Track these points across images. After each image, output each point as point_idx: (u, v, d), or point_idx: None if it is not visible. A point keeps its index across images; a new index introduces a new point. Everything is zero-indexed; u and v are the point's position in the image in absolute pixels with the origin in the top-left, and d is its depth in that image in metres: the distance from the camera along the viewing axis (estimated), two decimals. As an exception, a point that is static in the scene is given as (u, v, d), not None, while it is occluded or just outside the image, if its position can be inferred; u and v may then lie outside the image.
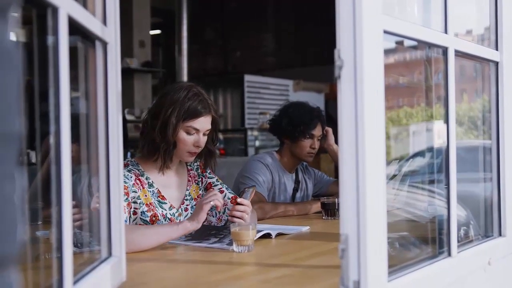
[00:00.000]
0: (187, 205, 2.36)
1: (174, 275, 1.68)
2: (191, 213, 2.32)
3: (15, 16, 0.57)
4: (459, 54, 1.60)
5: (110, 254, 1.39)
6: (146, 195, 2.21)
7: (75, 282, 1.10)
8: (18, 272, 0.58)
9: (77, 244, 1.37)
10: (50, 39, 1.03)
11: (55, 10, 1.01)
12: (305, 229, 2.38)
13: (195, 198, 2.39)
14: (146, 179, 2.25)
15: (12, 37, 0.56)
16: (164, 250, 1.97)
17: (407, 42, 1.58)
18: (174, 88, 2.28)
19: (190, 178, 2.41)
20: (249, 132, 7.68)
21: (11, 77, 0.54)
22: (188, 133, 2.22)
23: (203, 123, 2.24)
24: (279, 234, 2.21)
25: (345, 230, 1.19)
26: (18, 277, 0.58)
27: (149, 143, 2.23)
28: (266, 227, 2.25)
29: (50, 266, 1.15)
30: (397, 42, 1.51)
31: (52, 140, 1.04)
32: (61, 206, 1.02)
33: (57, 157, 1.02)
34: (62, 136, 1.02)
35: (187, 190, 2.38)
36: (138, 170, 2.24)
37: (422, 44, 1.64)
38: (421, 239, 1.73)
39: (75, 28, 1.13)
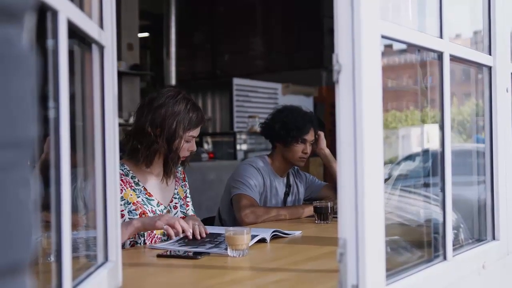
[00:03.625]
0: (175, 203, 2.44)
1: (170, 280, 1.67)
2: (180, 211, 2.44)
3: (30, 21, 0.57)
4: (453, 58, 1.61)
5: (106, 259, 1.38)
6: (131, 195, 2.27)
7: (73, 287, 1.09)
8: (31, 278, 0.58)
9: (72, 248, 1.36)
10: (49, 42, 1.02)
11: (55, 13, 1.00)
12: (298, 233, 2.38)
13: (182, 198, 2.48)
14: (132, 178, 2.31)
15: (27, 41, 0.56)
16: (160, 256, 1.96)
17: (396, 46, 1.58)
18: (168, 97, 2.31)
19: (177, 179, 2.50)
20: (238, 136, 7.66)
21: (27, 82, 0.54)
22: (188, 141, 2.34)
23: (199, 130, 2.39)
24: (274, 236, 2.22)
25: (344, 235, 1.19)
26: (32, 283, 0.58)
27: (153, 153, 2.29)
28: (259, 231, 2.25)
29: (45, 271, 1.14)
30: (386, 46, 1.51)
31: (47, 143, 1.04)
32: (60, 211, 1.01)
33: (57, 160, 1.01)
34: (61, 139, 1.01)
35: (175, 189, 2.47)
36: (123, 170, 2.27)
37: (412, 48, 1.65)
38: (416, 243, 1.73)
39: (72, 31, 1.12)
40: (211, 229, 2.34)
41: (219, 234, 2.21)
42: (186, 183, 2.56)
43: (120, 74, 7.55)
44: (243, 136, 7.73)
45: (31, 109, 0.56)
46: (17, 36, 0.54)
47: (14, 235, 0.53)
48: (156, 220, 2.03)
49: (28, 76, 0.55)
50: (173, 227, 2.06)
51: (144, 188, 2.32)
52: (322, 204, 2.72)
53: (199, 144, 7.49)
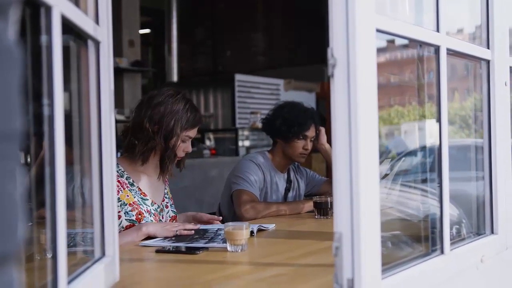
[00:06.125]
0: (166, 203, 2.48)
1: (167, 275, 1.67)
2: (171, 210, 2.48)
3: (15, 14, 0.57)
4: (451, 52, 1.61)
5: (103, 254, 1.39)
6: (128, 195, 2.29)
7: (69, 282, 1.10)
8: (19, 270, 0.58)
9: (69, 244, 1.37)
10: (43, 38, 1.02)
11: (48, 9, 1.00)
12: (271, 226, 2.41)
13: (171, 198, 2.53)
14: (126, 179, 2.33)
15: (12, 35, 0.56)
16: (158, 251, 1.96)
17: (398, 41, 1.58)
18: (167, 96, 2.34)
19: (166, 179, 2.53)
20: (240, 132, 7.66)
21: (12, 76, 0.54)
22: (183, 141, 2.36)
23: (196, 131, 2.41)
24: (259, 230, 2.27)
25: (339, 228, 1.20)
26: (19, 274, 0.58)
27: (150, 150, 2.32)
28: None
29: (42, 266, 1.14)
30: (388, 41, 1.51)
31: (43, 140, 1.04)
32: (55, 207, 1.02)
33: (51, 157, 1.02)
34: (55, 136, 1.02)
35: (165, 189, 2.51)
36: (117, 171, 2.28)
37: (414, 43, 1.64)
38: (414, 238, 1.73)
39: (67, 27, 1.12)
40: (202, 226, 2.35)
41: (206, 230, 2.24)
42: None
43: (121, 71, 7.56)
44: (245, 132, 7.74)
45: (18, 102, 0.56)
46: (3, 30, 0.54)
47: (0, 227, 0.54)
48: (168, 229, 2.16)
49: (14, 70, 0.55)
50: (184, 229, 2.19)
51: (139, 188, 2.35)
52: (322, 199, 2.72)
53: (201, 140, 7.50)
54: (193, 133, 2.38)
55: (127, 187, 2.30)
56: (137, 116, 2.33)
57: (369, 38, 1.22)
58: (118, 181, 2.26)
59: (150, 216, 2.31)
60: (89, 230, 1.44)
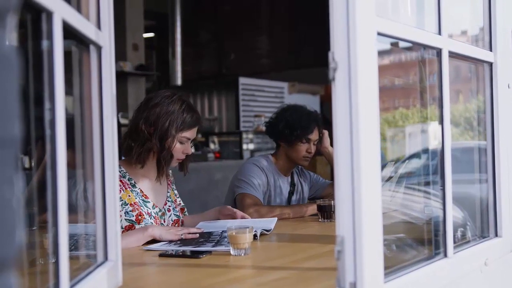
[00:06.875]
0: (169, 206, 2.48)
1: (170, 279, 1.67)
2: (173, 214, 2.48)
3: (13, 20, 0.57)
4: (453, 55, 1.60)
5: (106, 258, 1.39)
6: (129, 196, 2.31)
7: (71, 286, 1.10)
8: (17, 275, 0.59)
9: (71, 247, 1.37)
10: (44, 44, 1.03)
11: (49, 14, 1.01)
12: (274, 221, 2.45)
13: (174, 201, 2.52)
14: (129, 180, 2.34)
15: (10, 41, 0.56)
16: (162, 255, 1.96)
17: (402, 44, 1.58)
18: (164, 98, 2.35)
19: (169, 183, 2.54)
20: (244, 135, 7.66)
21: (10, 82, 0.54)
22: (181, 142, 2.35)
23: (194, 132, 2.40)
24: (262, 234, 2.26)
25: (341, 232, 1.19)
26: (17, 280, 0.58)
27: (146, 151, 2.32)
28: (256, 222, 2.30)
29: (45, 271, 1.15)
30: (392, 44, 1.51)
31: (47, 145, 1.04)
32: (57, 211, 1.02)
33: (53, 162, 1.02)
34: (57, 141, 1.02)
35: (168, 192, 2.51)
36: (120, 172, 2.29)
37: (416, 46, 1.64)
38: (417, 241, 1.73)
39: (69, 32, 1.13)
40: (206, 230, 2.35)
41: (211, 233, 2.24)
42: (174, 186, 2.60)
43: (126, 75, 7.56)
44: (249, 136, 7.73)
45: (16, 109, 0.56)
46: (1, 37, 0.54)
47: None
48: (173, 232, 2.15)
49: (12, 75, 0.55)
50: (188, 233, 2.20)
51: (141, 190, 2.35)
52: (326, 202, 2.71)
53: (206, 144, 7.50)
54: (190, 134, 2.36)
55: (129, 187, 2.31)
56: (134, 118, 2.35)
57: (370, 41, 1.22)
58: (120, 181, 2.28)
59: (150, 218, 2.31)
60: (90, 231, 1.44)
